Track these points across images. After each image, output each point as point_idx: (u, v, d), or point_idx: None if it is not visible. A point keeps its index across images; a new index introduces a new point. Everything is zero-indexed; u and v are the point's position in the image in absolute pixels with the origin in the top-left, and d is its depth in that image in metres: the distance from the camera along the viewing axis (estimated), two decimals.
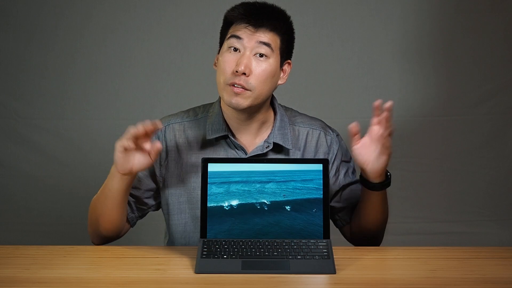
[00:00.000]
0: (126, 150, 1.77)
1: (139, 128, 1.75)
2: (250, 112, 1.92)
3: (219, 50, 1.94)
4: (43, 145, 3.39)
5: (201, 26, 3.32)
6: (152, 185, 1.98)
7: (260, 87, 1.88)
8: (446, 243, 3.26)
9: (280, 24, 1.90)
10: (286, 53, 1.94)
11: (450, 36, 3.38)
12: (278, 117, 1.99)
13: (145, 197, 1.99)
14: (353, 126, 1.84)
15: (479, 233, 3.38)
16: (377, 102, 1.81)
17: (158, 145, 1.78)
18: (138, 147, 1.79)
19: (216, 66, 1.95)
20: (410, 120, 3.40)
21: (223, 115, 1.96)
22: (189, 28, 3.36)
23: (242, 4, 1.92)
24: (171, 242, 2.02)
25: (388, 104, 1.81)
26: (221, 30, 1.96)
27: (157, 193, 2.00)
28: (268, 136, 1.97)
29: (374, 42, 3.38)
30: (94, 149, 3.39)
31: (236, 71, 1.85)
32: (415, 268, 1.72)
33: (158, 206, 2.04)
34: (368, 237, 1.98)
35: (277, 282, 1.60)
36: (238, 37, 1.87)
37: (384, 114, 1.81)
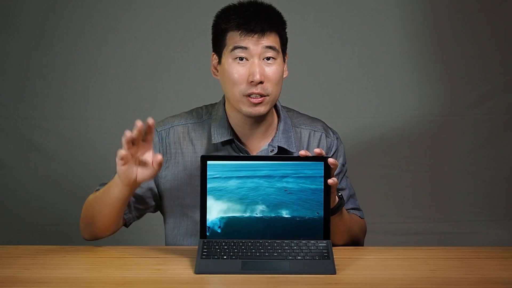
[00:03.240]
0: (125, 161, 1.71)
1: (132, 133, 1.68)
2: (259, 116, 1.92)
3: (219, 59, 1.91)
4: (43, 145, 3.39)
5: (201, 26, 3.29)
6: (153, 185, 1.97)
7: (276, 89, 1.88)
8: (446, 243, 3.27)
9: (277, 23, 1.90)
10: (285, 47, 1.94)
11: (450, 36, 3.38)
12: (282, 120, 1.98)
13: (147, 196, 1.97)
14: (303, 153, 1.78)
15: (479, 233, 3.38)
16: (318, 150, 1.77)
17: (159, 157, 1.72)
18: (140, 161, 1.73)
19: (216, 76, 1.93)
20: (410, 120, 3.40)
21: (228, 119, 1.96)
22: (189, 28, 3.36)
23: (234, 10, 1.88)
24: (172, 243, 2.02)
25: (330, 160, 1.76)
26: (213, 37, 1.93)
27: (157, 195, 1.99)
28: (272, 139, 1.96)
29: (374, 42, 3.38)
30: (94, 149, 3.39)
31: (252, 81, 1.85)
32: (415, 268, 1.72)
33: (156, 208, 2.03)
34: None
35: (277, 283, 1.60)
36: (243, 48, 1.86)
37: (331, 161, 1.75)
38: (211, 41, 1.94)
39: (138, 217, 2.01)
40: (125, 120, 3.37)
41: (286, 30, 1.93)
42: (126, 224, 1.98)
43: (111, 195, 1.82)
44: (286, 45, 1.95)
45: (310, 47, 3.34)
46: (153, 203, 1.99)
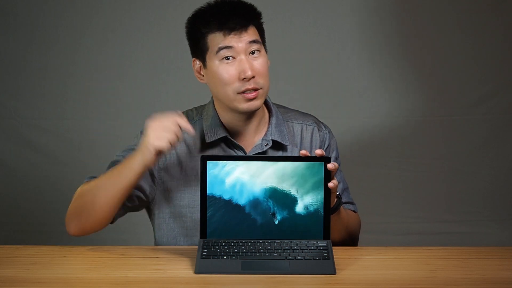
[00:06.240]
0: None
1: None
2: (254, 111, 1.93)
3: (203, 64, 1.92)
4: (43, 145, 3.39)
5: None
6: (145, 185, 1.96)
7: (266, 81, 1.90)
8: (446, 243, 3.27)
9: (254, 15, 1.92)
10: (263, 37, 1.95)
11: (450, 36, 3.38)
12: (273, 114, 2.00)
13: (136, 194, 1.96)
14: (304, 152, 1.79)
15: (479, 233, 3.38)
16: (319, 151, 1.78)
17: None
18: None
19: (202, 80, 1.95)
20: (410, 120, 3.40)
21: (219, 117, 1.96)
22: None
23: (210, 12, 1.90)
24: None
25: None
26: (191, 43, 1.95)
27: (145, 195, 1.97)
28: (266, 133, 1.97)
29: (374, 42, 3.38)
30: (94, 149, 3.39)
31: (244, 78, 1.86)
32: (416, 268, 1.72)
33: (140, 207, 2.01)
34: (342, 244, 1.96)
35: (277, 283, 1.60)
36: (228, 47, 1.87)
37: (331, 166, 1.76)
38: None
39: (121, 214, 1.97)
40: (125, 120, 3.38)
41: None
42: (112, 221, 1.95)
43: (128, 173, 1.81)
44: (264, 35, 1.96)
45: (310, 47, 3.33)
46: (137, 202, 1.97)
